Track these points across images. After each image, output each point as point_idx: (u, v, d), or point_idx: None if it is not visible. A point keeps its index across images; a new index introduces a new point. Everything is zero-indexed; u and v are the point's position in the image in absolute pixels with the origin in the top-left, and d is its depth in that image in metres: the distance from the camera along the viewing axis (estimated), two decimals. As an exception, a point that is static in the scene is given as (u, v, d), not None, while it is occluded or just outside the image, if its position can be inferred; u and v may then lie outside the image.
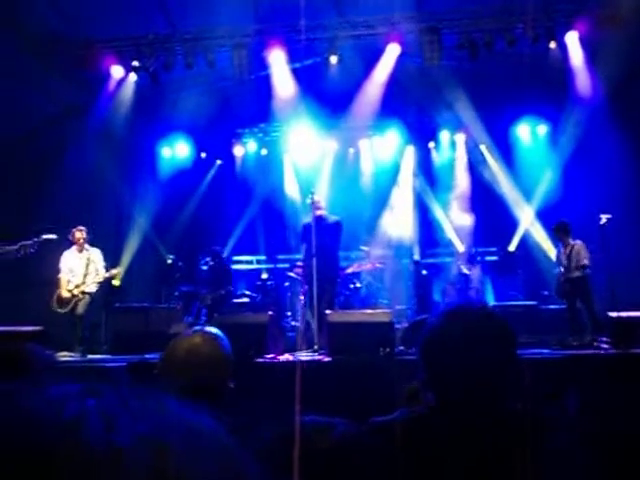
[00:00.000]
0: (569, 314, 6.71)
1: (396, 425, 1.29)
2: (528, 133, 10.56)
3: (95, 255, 7.10)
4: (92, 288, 6.98)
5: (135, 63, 8.36)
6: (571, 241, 6.87)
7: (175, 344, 1.50)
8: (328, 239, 6.33)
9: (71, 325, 6.82)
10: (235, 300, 8.99)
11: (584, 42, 8.09)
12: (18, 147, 8.43)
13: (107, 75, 8.59)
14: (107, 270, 7.12)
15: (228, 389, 1.50)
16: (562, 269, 6.83)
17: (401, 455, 1.22)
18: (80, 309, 6.87)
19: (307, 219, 6.58)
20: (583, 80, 8.44)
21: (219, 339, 1.51)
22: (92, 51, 8.19)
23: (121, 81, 8.73)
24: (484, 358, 1.26)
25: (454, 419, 1.26)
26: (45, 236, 6.72)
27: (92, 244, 7.24)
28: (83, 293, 6.90)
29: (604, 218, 6.19)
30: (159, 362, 1.50)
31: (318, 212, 6.39)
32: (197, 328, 1.57)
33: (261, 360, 5.09)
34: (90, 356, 6.61)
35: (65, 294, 6.89)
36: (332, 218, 6.60)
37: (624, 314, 5.55)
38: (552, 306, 7.86)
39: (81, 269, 6.98)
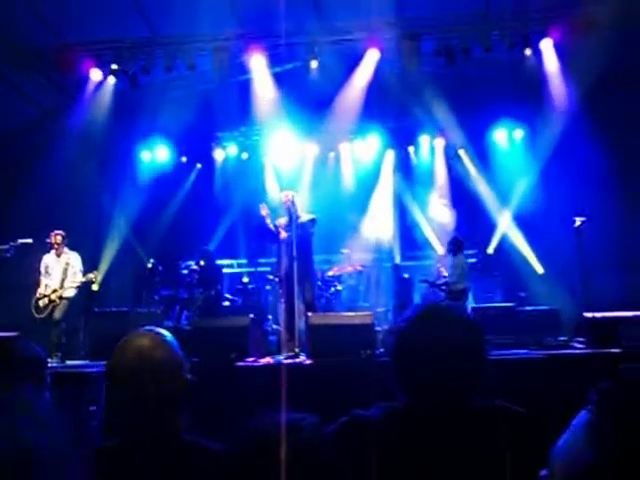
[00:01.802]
0: None
1: (374, 420, 1.32)
2: (505, 137, 10.75)
3: (73, 259, 7.03)
4: (69, 293, 6.90)
5: (114, 66, 8.29)
6: (455, 257, 7.97)
7: (123, 346, 1.40)
8: (301, 235, 6.31)
9: (48, 330, 6.73)
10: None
11: (559, 48, 8.27)
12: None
13: (86, 78, 8.51)
14: (84, 274, 7.05)
15: (186, 390, 1.41)
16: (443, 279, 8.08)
17: (378, 449, 1.25)
18: (57, 314, 6.78)
19: (274, 219, 6.58)
20: (558, 85, 8.63)
21: (169, 340, 1.42)
22: (70, 54, 8.10)
23: (100, 84, 8.65)
24: (452, 361, 1.29)
25: (424, 418, 1.29)
26: (21, 240, 6.65)
27: (71, 248, 7.17)
28: (60, 298, 6.82)
29: (578, 221, 6.32)
30: (106, 366, 1.41)
31: (291, 208, 6.33)
32: (146, 328, 1.45)
33: (242, 364, 5.09)
34: (68, 362, 6.52)
35: (42, 299, 6.81)
36: (305, 216, 6.59)
37: (599, 314, 5.68)
38: (529, 307, 8.01)
39: (58, 273, 6.91)
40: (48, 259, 7.01)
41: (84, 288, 7.61)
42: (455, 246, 8.03)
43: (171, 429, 1.36)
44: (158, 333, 1.43)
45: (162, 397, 1.34)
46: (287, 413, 1.28)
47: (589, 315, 5.73)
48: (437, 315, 1.37)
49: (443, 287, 8.05)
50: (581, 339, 5.84)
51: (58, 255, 7.00)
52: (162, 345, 1.40)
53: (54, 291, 6.82)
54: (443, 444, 1.26)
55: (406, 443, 1.28)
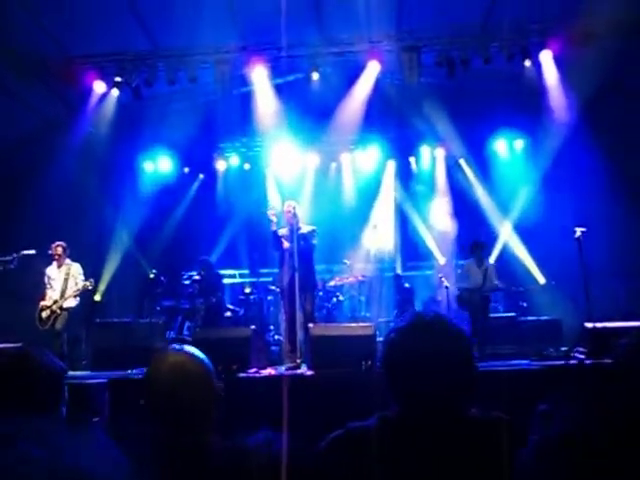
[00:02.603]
0: (475, 325, 7.21)
1: (369, 429, 1.34)
2: (505, 147, 10.80)
3: (74, 270, 7.07)
4: (70, 303, 6.93)
5: (117, 79, 8.37)
6: (486, 261, 7.61)
7: (158, 362, 1.48)
8: (303, 247, 6.35)
9: (51, 341, 6.76)
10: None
11: (558, 60, 8.34)
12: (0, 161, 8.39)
13: (89, 90, 8.59)
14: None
15: (215, 408, 1.49)
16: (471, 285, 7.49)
17: (372, 458, 1.28)
18: (58, 325, 6.82)
19: (279, 228, 6.60)
20: (557, 96, 8.68)
21: (205, 363, 1.51)
22: (75, 67, 8.20)
23: (103, 96, 8.73)
24: (440, 369, 1.32)
25: (416, 427, 1.32)
26: (24, 252, 6.72)
27: (74, 259, 7.22)
28: (61, 309, 6.86)
29: (579, 231, 6.34)
30: (143, 381, 1.48)
31: (292, 219, 6.39)
32: (177, 346, 1.54)
33: (244, 375, 5.10)
34: (71, 372, 6.54)
35: (44, 310, 6.85)
36: (306, 227, 6.62)
37: (599, 325, 5.68)
38: (531, 317, 8.02)
39: (59, 284, 6.96)
40: (50, 271, 7.08)
41: (86, 298, 7.63)
42: (480, 249, 7.69)
43: (202, 437, 1.43)
44: (190, 350, 1.54)
45: (196, 408, 1.43)
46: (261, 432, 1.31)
47: (590, 325, 5.73)
48: (425, 324, 1.39)
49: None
50: (582, 349, 5.84)
51: (59, 266, 7.05)
52: (193, 360, 1.50)
53: (55, 302, 6.86)
54: (436, 453, 1.28)
55: (399, 452, 1.30)
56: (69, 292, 6.92)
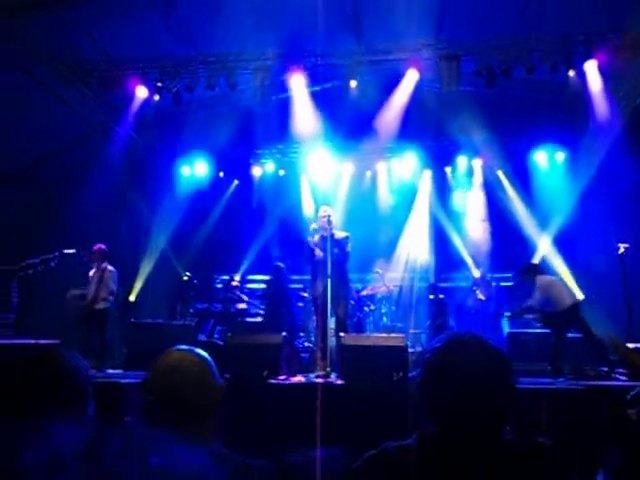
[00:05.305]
0: (559, 344, 6.57)
1: (408, 449, 1.31)
2: (546, 160, 10.56)
3: (107, 275, 7.14)
4: (102, 305, 7.02)
5: (159, 84, 8.55)
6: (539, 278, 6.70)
7: (159, 360, 1.48)
8: (337, 255, 6.28)
9: (86, 340, 6.90)
10: (250, 319, 9.04)
11: (603, 70, 8.11)
12: (45, 163, 8.67)
13: (132, 95, 8.79)
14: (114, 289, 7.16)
15: (215, 413, 1.46)
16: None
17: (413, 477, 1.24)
18: (94, 324, 6.97)
19: (312, 237, 6.54)
20: (602, 107, 8.44)
21: (205, 360, 1.49)
22: (118, 73, 8.41)
23: (145, 101, 8.92)
24: (481, 392, 1.28)
25: (458, 448, 1.28)
26: (65, 251, 6.90)
27: (110, 259, 7.34)
28: (93, 311, 6.97)
29: (622, 247, 6.13)
30: (144, 378, 1.47)
31: (327, 226, 6.30)
32: (182, 347, 1.52)
33: (274, 381, 5.10)
34: (105, 372, 6.66)
35: (81, 309, 7.02)
36: (339, 233, 6.52)
37: (642, 345, 5.46)
38: (568, 334, 7.75)
39: (93, 286, 7.06)
40: (91, 272, 7.20)
41: (122, 298, 7.76)
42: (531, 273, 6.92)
43: (203, 439, 1.37)
44: (194, 351, 1.50)
45: (192, 406, 1.39)
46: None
47: (632, 346, 5.51)
48: (462, 344, 1.36)
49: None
50: (623, 370, 5.63)
51: (97, 269, 7.16)
52: (192, 357, 1.47)
53: (92, 302, 7.00)
54: (477, 477, 1.24)
55: (441, 474, 1.26)
56: (102, 294, 7.03)
